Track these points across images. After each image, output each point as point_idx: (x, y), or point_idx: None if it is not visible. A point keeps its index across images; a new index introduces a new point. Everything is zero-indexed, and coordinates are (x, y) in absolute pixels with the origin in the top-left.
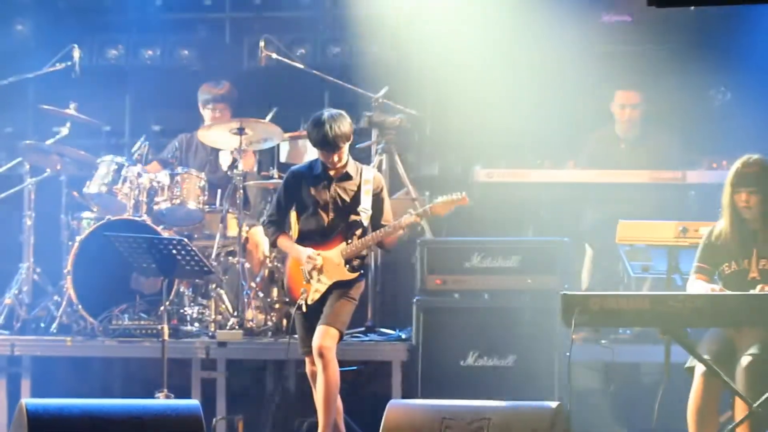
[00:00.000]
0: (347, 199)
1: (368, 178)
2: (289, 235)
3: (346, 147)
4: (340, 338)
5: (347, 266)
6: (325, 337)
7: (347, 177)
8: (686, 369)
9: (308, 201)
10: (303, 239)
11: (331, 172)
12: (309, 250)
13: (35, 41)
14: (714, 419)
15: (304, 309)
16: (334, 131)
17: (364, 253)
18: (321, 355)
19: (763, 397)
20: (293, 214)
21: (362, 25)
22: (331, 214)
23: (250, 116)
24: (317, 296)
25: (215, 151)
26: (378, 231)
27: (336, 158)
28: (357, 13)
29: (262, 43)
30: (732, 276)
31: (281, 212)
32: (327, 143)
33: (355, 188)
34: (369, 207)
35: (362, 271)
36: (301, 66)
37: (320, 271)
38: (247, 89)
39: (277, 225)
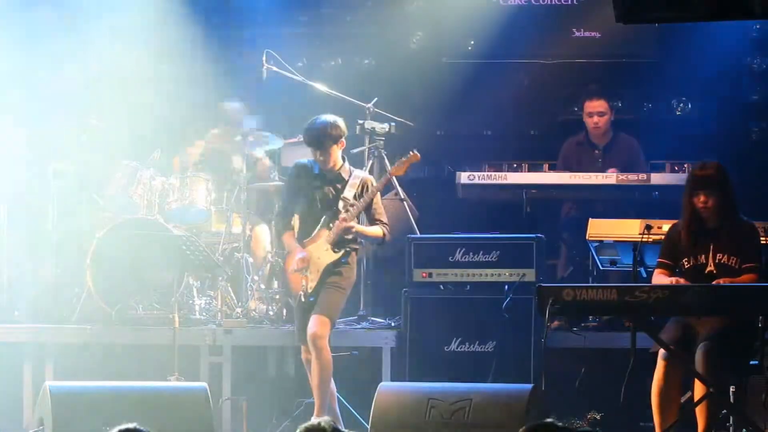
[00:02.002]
0: (336, 196)
1: (356, 178)
2: (292, 233)
3: (333, 149)
4: (332, 326)
5: (333, 248)
6: (318, 325)
7: (339, 178)
8: (650, 354)
9: (305, 194)
10: (299, 229)
11: (325, 173)
12: (300, 254)
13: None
14: (676, 399)
15: (303, 299)
16: (321, 132)
17: (348, 236)
18: (314, 342)
19: (720, 379)
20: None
21: (355, 40)
22: (321, 209)
23: (255, 123)
24: (314, 284)
25: (224, 156)
26: (348, 212)
27: (321, 157)
28: (349, 30)
29: (263, 57)
30: (691, 270)
31: (288, 205)
32: (312, 141)
33: (344, 188)
34: (350, 197)
35: (347, 250)
36: (299, 78)
37: (311, 262)
38: (251, 99)
39: (284, 220)
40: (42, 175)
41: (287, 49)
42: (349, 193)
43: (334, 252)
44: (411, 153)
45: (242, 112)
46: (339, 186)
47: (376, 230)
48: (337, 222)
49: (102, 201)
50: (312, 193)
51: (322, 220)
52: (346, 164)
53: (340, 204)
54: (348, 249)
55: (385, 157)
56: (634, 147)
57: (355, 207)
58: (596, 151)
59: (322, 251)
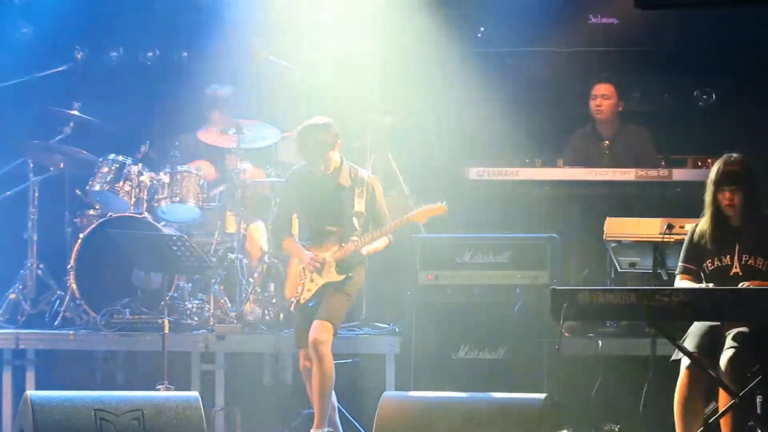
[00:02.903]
0: (340, 203)
1: (361, 181)
2: (293, 238)
3: (331, 154)
4: (335, 332)
5: (337, 268)
6: (320, 330)
7: (340, 182)
8: (672, 362)
9: (305, 203)
10: (301, 240)
11: (326, 178)
12: (311, 254)
13: (40, 44)
14: (699, 410)
15: (292, 307)
16: (311, 141)
17: (353, 257)
18: (315, 349)
19: (747, 388)
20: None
21: (353, 29)
22: (326, 218)
23: (249, 116)
24: (308, 295)
25: (215, 150)
26: (365, 236)
27: (320, 165)
28: (347, 18)
29: (259, 47)
30: (715, 272)
31: (284, 215)
32: (306, 153)
33: (349, 193)
34: (363, 210)
35: (350, 274)
36: (294, 68)
37: (316, 271)
38: (245, 90)
39: (281, 229)
40: (22, 171)
41: (283, 38)
42: (359, 205)
43: (337, 273)
44: (438, 204)
45: (234, 97)
46: (340, 191)
47: (384, 242)
48: (348, 244)
49: (86, 198)
50: (315, 200)
51: (334, 231)
52: (345, 164)
53: (355, 221)
54: (350, 273)
55: (389, 152)
56: (644, 138)
57: (370, 235)
58: (604, 143)
59: (326, 266)
